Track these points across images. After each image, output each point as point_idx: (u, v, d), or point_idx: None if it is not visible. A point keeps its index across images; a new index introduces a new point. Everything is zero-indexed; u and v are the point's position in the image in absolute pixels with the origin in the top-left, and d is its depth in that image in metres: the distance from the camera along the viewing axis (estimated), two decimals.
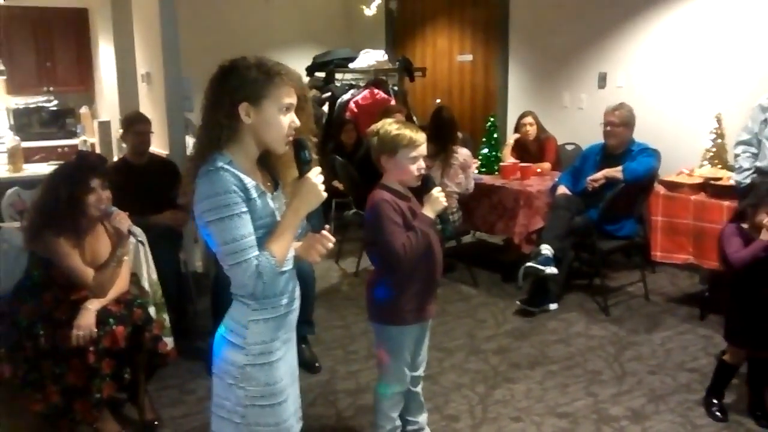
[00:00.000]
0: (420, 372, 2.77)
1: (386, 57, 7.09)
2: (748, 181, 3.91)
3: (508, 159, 5.40)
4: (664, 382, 3.50)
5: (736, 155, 4.02)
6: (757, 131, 3.91)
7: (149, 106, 5.51)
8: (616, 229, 4.47)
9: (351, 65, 7.11)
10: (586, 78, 5.98)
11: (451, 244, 4.91)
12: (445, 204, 2.55)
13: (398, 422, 2.73)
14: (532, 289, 4.51)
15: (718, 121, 4.82)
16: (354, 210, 5.36)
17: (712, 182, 4.29)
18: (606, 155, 4.55)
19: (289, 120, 1.78)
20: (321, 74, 7.23)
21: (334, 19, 8.46)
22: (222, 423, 1.88)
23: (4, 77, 7.41)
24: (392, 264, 2.47)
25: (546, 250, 4.24)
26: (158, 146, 4.85)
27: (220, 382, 1.86)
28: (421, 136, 2.48)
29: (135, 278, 3.32)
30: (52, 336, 2.82)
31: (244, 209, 1.70)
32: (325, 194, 1.78)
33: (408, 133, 2.46)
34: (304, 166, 1.79)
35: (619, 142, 4.47)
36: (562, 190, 4.59)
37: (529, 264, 4.25)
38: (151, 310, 3.25)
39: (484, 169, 5.32)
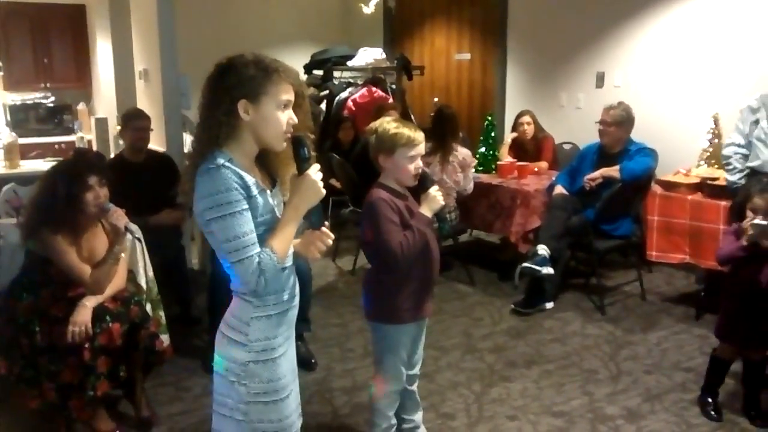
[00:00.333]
0: (416, 370, 2.77)
1: (384, 55, 7.09)
2: (742, 181, 3.92)
3: (506, 158, 5.41)
4: (659, 382, 3.51)
5: (727, 156, 4.03)
6: (748, 132, 3.94)
7: (146, 103, 5.50)
8: (613, 229, 4.47)
9: (349, 63, 7.11)
10: (584, 77, 5.99)
11: (448, 242, 4.92)
12: (443, 203, 2.55)
13: (394, 420, 2.74)
14: (528, 289, 4.52)
15: (715, 121, 4.83)
16: (351, 208, 5.37)
17: (709, 182, 4.30)
18: (603, 155, 4.56)
19: (287, 117, 1.78)
20: (319, 72, 7.23)
21: (332, 16, 8.45)
22: (224, 421, 1.87)
23: (1, 73, 7.40)
24: (389, 263, 2.47)
25: (542, 250, 4.25)
26: (155, 143, 4.84)
27: (221, 379, 1.86)
28: (419, 135, 2.48)
29: (132, 275, 3.31)
30: (48, 333, 2.82)
31: (246, 206, 1.70)
32: (324, 191, 1.79)
33: (406, 132, 2.46)
34: (303, 163, 1.79)
35: (612, 142, 4.48)
36: (559, 189, 4.59)
37: (525, 264, 4.26)
38: (148, 308, 3.25)
39: (481, 168, 5.32)
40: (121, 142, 5.13)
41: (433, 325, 4.01)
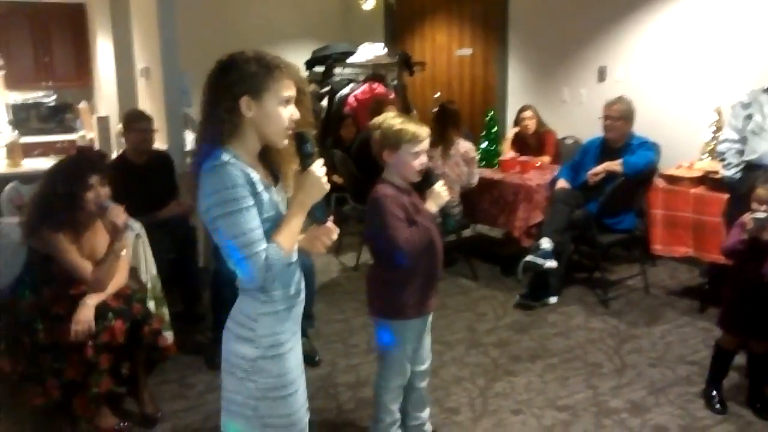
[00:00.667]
0: (425, 367, 2.76)
1: (385, 51, 7.06)
2: (738, 176, 3.96)
3: (508, 153, 5.40)
4: (664, 375, 3.51)
5: (722, 152, 4.06)
6: (741, 127, 3.97)
7: (148, 101, 5.50)
8: (616, 223, 4.47)
9: (350, 59, 7.09)
10: (586, 72, 5.97)
11: (451, 237, 4.91)
12: (448, 198, 2.55)
13: (398, 415, 2.73)
14: (531, 283, 4.51)
15: (718, 114, 4.81)
16: (352, 204, 5.37)
17: (712, 175, 4.29)
18: (605, 149, 4.55)
19: (290, 113, 1.78)
20: (320, 69, 7.20)
21: (332, 13, 8.44)
22: (233, 417, 1.88)
23: (3, 72, 7.40)
24: (396, 259, 2.47)
25: (546, 243, 4.24)
26: (157, 142, 4.84)
27: (229, 376, 1.86)
28: (423, 131, 2.48)
29: (134, 272, 3.32)
30: (51, 331, 2.83)
31: (252, 203, 1.70)
32: (328, 186, 1.79)
33: (411, 127, 2.46)
34: (306, 159, 1.80)
35: (617, 136, 4.47)
36: (562, 184, 4.59)
37: (528, 258, 4.25)
38: (151, 305, 3.25)
39: (483, 163, 5.32)
40: (122, 139, 5.13)
41: (437, 320, 3.99)
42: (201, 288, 4.31)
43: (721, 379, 3.21)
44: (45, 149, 6.61)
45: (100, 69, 7.53)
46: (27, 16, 7.51)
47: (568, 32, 6.06)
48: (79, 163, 3.04)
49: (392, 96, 6.53)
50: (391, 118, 2.50)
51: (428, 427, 2.88)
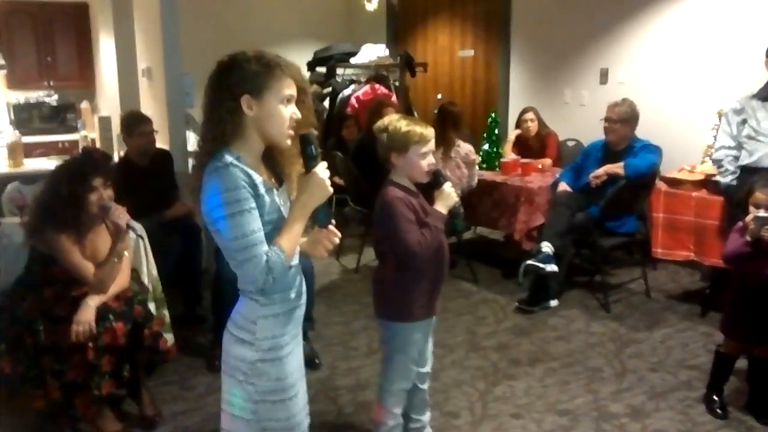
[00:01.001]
0: (427, 369, 2.76)
1: (387, 52, 7.08)
2: (734, 182, 3.97)
3: (509, 155, 5.39)
4: (664, 380, 3.50)
5: (719, 159, 4.08)
6: (736, 134, 4.00)
7: (150, 101, 5.50)
8: (617, 226, 4.46)
9: (352, 60, 7.10)
10: (588, 74, 5.97)
11: (451, 240, 4.90)
12: (457, 199, 2.54)
13: (401, 419, 2.73)
14: (532, 287, 4.51)
15: (720, 117, 4.80)
16: (351, 206, 5.37)
17: (714, 179, 4.28)
18: (607, 152, 4.54)
19: (291, 112, 1.78)
20: (322, 69, 7.21)
21: (334, 14, 8.44)
22: (232, 420, 1.88)
23: (5, 72, 7.40)
24: (407, 261, 2.47)
25: (546, 247, 4.24)
26: (159, 142, 4.84)
27: (229, 379, 1.86)
28: (430, 132, 2.49)
29: (135, 274, 3.32)
30: (52, 332, 2.83)
31: (254, 205, 1.70)
32: (331, 189, 1.79)
33: (418, 129, 2.46)
34: (310, 161, 1.79)
35: (617, 139, 4.47)
36: (563, 186, 4.58)
37: (529, 262, 4.24)
38: (151, 306, 3.25)
39: (485, 165, 5.31)
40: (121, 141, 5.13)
41: (438, 324, 3.96)
42: (202, 290, 4.31)
43: (722, 384, 3.21)
44: (47, 149, 6.63)
45: (102, 69, 7.53)
46: (29, 15, 7.52)
47: (570, 34, 6.06)
48: (83, 165, 3.04)
49: (394, 97, 6.53)
50: (396, 121, 2.50)
51: (428, 430, 2.88)
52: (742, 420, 3.11)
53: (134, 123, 4.25)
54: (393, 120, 2.52)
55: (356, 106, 6.61)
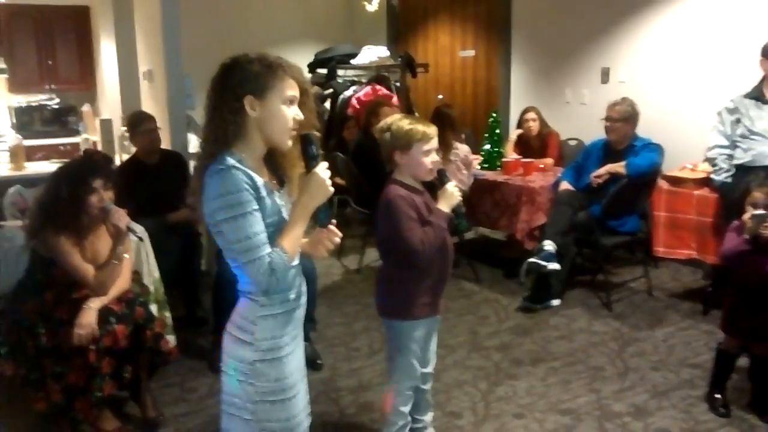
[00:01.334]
0: (430, 368, 2.76)
1: (388, 53, 7.08)
2: (729, 180, 4.00)
3: (511, 155, 5.39)
4: (666, 378, 3.50)
5: (713, 158, 4.10)
6: (730, 133, 4.03)
7: (151, 103, 5.50)
8: (619, 225, 4.45)
9: (353, 61, 7.10)
10: (589, 73, 5.96)
11: (453, 240, 4.90)
12: (460, 198, 2.54)
13: (409, 418, 2.73)
14: (534, 285, 4.50)
15: None
16: (353, 207, 5.37)
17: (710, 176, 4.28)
18: (609, 151, 4.54)
19: (293, 113, 1.79)
20: (323, 71, 7.21)
21: (335, 15, 8.45)
22: (232, 420, 1.88)
23: (6, 75, 7.42)
24: (410, 260, 2.47)
25: (548, 246, 4.24)
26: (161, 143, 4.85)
27: (229, 379, 1.86)
28: (432, 130, 2.51)
29: (136, 276, 3.32)
30: (53, 335, 2.83)
31: (256, 207, 1.71)
32: (332, 189, 1.80)
33: (420, 127, 2.48)
34: (311, 161, 1.79)
35: (619, 138, 4.46)
36: (565, 186, 4.58)
37: (531, 260, 4.24)
38: (153, 308, 3.25)
39: (486, 165, 5.31)
40: (125, 143, 5.15)
41: (440, 324, 4.00)
42: (202, 292, 4.31)
43: (724, 382, 3.20)
44: (48, 152, 6.64)
45: (103, 72, 7.55)
46: (31, 19, 7.54)
47: (571, 33, 6.05)
48: (84, 167, 3.04)
49: (395, 98, 6.53)
50: (399, 120, 2.52)
51: (431, 430, 2.88)
52: (745, 418, 3.10)
53: (137, 121, 4.30)
54: (395, 119, 2.53)
55: (357, 107, 6.60)
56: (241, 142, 1.76)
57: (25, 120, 7.53)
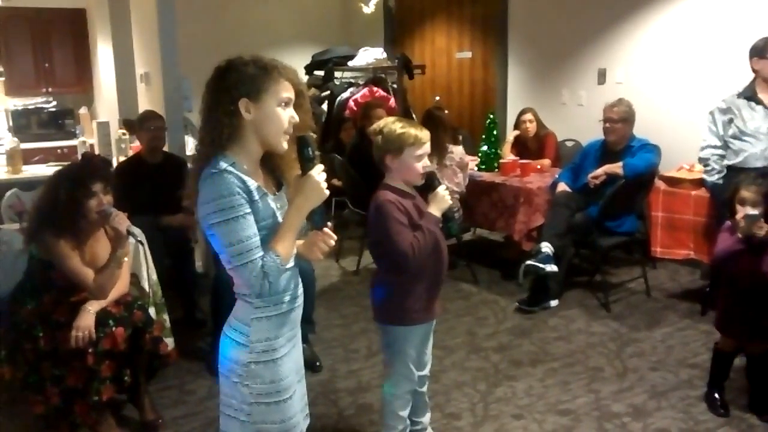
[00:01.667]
0: (426, 371, 2.76)
1: (385, 55, 7.08)
2: (721, 181, 4.00)
3: (508, 156, 5.39)
4: (665, 379, 3.50)
5: (705, 159, 4.10)
6: (722, 133, 4.03)
7: (148, 106, 5.50)
8: (617, 226, 4.46)
9: (350, 63, 7.11)
10: (586, 74, 5.97)
11: (451, 241, 4.90)
12: (450, 202, 2.54)
13: (408, 422, 2.73)
14: (532, 287, 4.51)
15: None
16: (351, 209, 5.37)
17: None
18: (606, 151, 4.54)
19: (289, 115, 1.78)
20: (320, 73, 7.22)
21: (332, 17, 8.46)
22: (229, 421, 1.88)
23: (3, 79, 7.41)
24: (401, 264, 2.46)
25: (546, 247, 4.24)
26: None
27: (225, 380, 1.87)
28: (425, 134, 2.49)
29: (135, 279, 3.31)
30: (51, 338, 2.82)
31: (248, 210, 1.71)
32: (327, 191, 1.79)
33: (413, 131, 2.46)
34: (307, 164, 1.79)
35: (618, 139, 4.47)
36: (562, 187, 4.58)
37: (529, 262, 4.24)
38: (151, 311, 3.25)
39: (483, 167, 5.31)
40: (122, 145, 5.14)
41: (438, 325, 3.96)
42: (197, 294, 4.31)
43: (722, 381, 3.21)
44: (45, 155, 6.63)
45: (100, 74, 7.54)
46: (27, 21, 7.54)
47: (567, 34, 6.06)
48: (83, 170, 3.04)
49: (392, 100, 6.53)
50: (391, 123, 2.50)
51: None
52: (743, 418, 3.10)
53: (145, 118, 4.38)
54: (388, 122, 2.51)
55: (354, 109, 6.60)
56: (236, 145, 1.76)
57: (22, 123, 7.53)
